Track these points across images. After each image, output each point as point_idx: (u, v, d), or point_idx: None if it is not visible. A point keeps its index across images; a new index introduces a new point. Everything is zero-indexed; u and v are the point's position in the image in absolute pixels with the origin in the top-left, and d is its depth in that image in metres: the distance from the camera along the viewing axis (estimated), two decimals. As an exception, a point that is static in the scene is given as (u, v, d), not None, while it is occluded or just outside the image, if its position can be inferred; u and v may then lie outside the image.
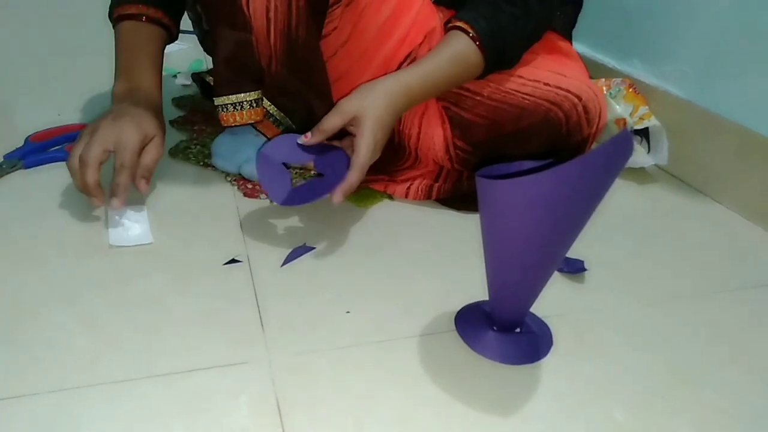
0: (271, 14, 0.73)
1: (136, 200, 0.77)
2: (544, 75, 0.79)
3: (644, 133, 0.98)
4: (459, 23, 0.73)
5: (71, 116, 1.03)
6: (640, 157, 0.96)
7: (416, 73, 0.72)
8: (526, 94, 0.78)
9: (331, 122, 0.69)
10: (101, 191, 0.70)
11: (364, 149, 0.67)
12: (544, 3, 0.73)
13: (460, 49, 0.72)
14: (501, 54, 0.73)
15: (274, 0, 0.73)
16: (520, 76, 0.79)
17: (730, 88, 0.89)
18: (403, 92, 0.71)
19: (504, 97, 0.78)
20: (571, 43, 0.87)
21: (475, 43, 0.71)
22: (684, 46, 0.97)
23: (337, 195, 0.67)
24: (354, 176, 0.67)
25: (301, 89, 0.80)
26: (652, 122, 0.96)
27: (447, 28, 0.75)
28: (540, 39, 0.79)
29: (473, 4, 0.74)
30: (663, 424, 0.53)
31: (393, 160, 0.86)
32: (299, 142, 0.71)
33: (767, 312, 0.68)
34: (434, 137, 0.82)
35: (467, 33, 0.72)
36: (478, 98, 0.80)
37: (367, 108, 0.68)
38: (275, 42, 0.76)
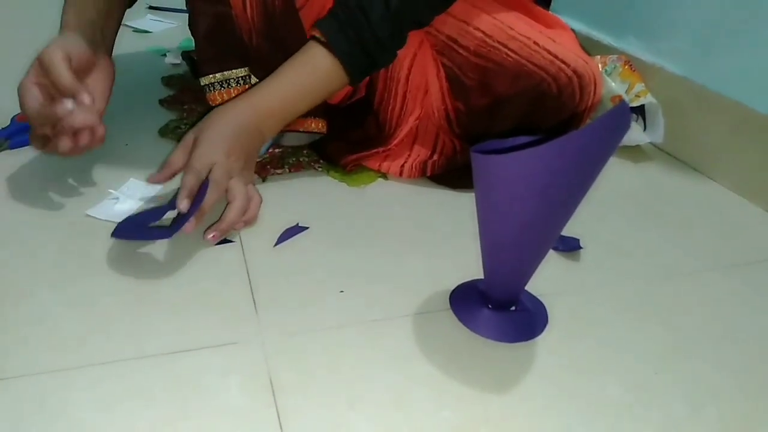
0: None
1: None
2: (534, 34, 0.77)
3: (640, 111, 0.97)
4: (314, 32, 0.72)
5: (58, 96, 1.01)
6: (635, 134, 0.95)
7: (261, 89, 0.71)
8: (512, 51, 0.76)
9: (174, 156, 0.68)
10: (78, 85, 0.66)
11: (214, 167, 0.65)
12: None
13: (310, 57, 0.71)
14: (357, 47, 0.70)
15: None
16: (511, 27, 0.77)
17: (727, 64, 0.88)
18: (246, 106, 0.70)
19: (489, 53, 0.76)
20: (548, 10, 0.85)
21: (323, 44, 0.70)
22: (680, 22, 0.95)
23: (190, 224, 0.63)
24: (211, 195, 0.64)
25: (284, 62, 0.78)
26: (648, 99, 0.95)
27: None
28: (430, 9, 0.74)
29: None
30: (657, 400, 0.53)
31: (377, 124, 0.84)
32: (150, 182, 0.69)
33: (761, 289, 0.68)
34: (429, 85, 0.79)
35: (316, 38, 0.71)
36: (464, 54, 0.78)
37: (203, 129, 0.68)
38: (252, 14, 0.74)
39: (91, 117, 0.65)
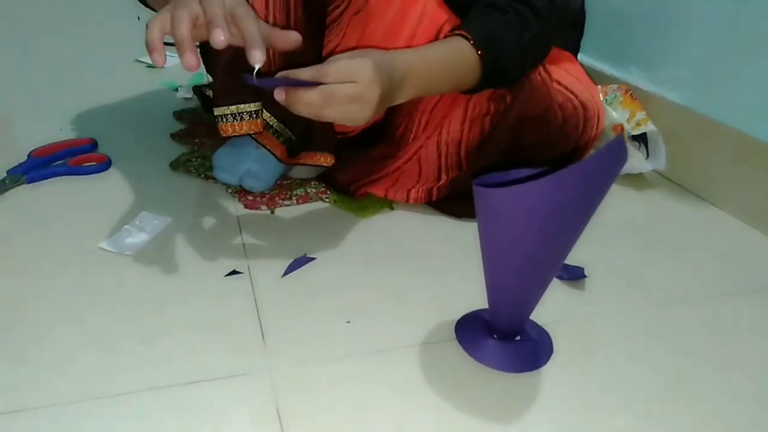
0: (270, 23, 0.74)
1: (166, 211, 0.78)
2: (551, 67, 0.79)
3: (643, 139, 0.98)
4: (453, 32, 0.73)
5: (74, 131, 1.04)
6: (638, 162, 0.96)
7: (417, 54, 0.66)
8: (529, 81, 0.77)
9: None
10: (195, 48, 0.57)
11: (344, 84, 0.58)
12: (540, 17, 0.72)
13: (457, 46, 0.69)
14: (497, 57, 0.70)
15: (272, 9, 0.74)
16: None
17: (726, 93, 0.90)
18: (403, 68, 0.64)
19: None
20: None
21: (470, 42, 0.69)
22: (680, 52, 0.97)
23: (278, 93, 0.58)
24: (312, 94, 0.57)
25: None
26: (649, 127, 0.97)
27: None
28: (540, 58, 0.77)
29: (467, 18, 0.73)
30: (665, 429, 0.53)
31: (387, 148, 0.85)
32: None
33: (766, 315, 0.68)
34: (451, 111, 0.80)
35: (461, 36, 0.70)
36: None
37: (372, 56, 0.60)
38: (273, 51, 0.76)
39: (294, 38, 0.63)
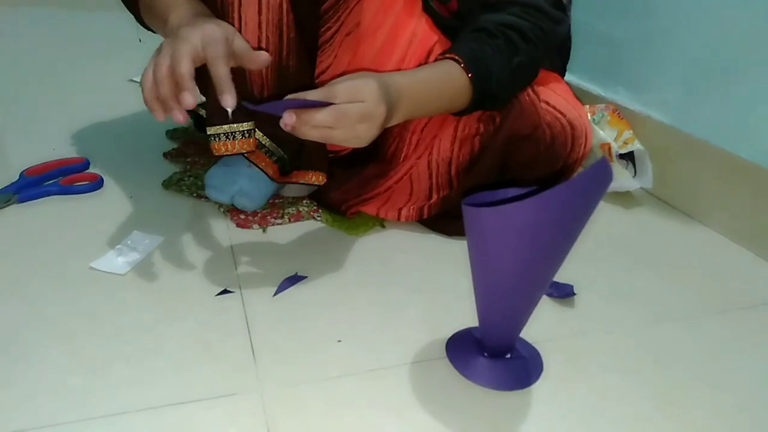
0: (263, 44, 0.75)
1: (158, 230, 0.79)
2: (539, 88, 0.81)
3: (630, 157, 1.00)
4: (444, 55, 0.74)
5: (66, 150, 1.04)
6: (626, 180, 0.98)
7: (409, 77, 0.67)
8: (518, 101, 0.79)
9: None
10: (194, 84, 0.59)
11: (354, 104, 0.59)
12: (528, 42, 0.73)
13: (448, 69, 0.70)
14: (487, 80, 0.71)
15: (265, 31, 0.75)
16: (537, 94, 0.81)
17: (711, 113, 0.92)
18: (396, 90, 0.64)
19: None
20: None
21: (460, 65, 0.70)
22: (666, 73, 0.99)
23: (289, 116, 0.58)
24: (323, 114, 0.58)
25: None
26: (636, 146, 0.98)
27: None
28: (528, 81, 0.79)
29: (457, 41, 0.75)
30: (653, 447, 0.54)
31: (379, 166, 0.86)
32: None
33: (755, 334, 0.69)
34: (441, 131, 0.81)
35: (452, 59, 0.71)
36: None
37: (373, 77, 0.62)
38: (266, 70, 0.77)
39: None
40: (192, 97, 0.59)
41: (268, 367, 0.60)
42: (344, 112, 0.59)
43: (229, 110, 0.60)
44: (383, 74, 0.66)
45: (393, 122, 0.67)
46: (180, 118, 0.61)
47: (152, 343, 0.62)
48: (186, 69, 0.59)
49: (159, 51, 0.62)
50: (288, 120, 0.58)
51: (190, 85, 0.59)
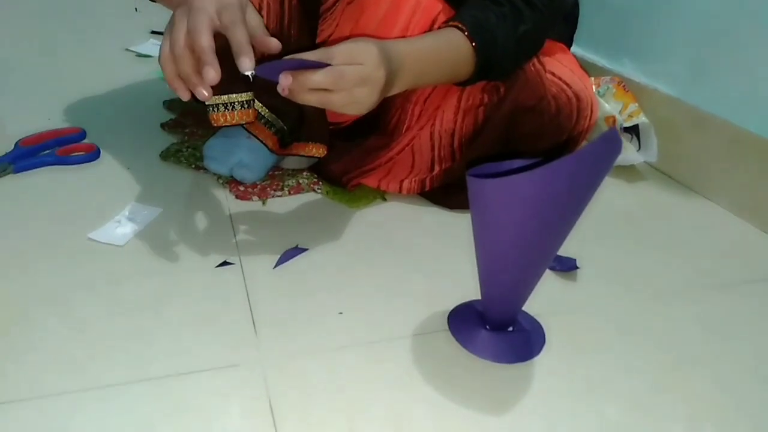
0: (263, 12, 0.73)
1: (156, 202, 0.78)
2: (544, 58, 0.79)
3: (634, 131, 0.99)
4: (447, 23, 0.72)
5: (62, 120, 1.03)
6: (630, 154, 0.96)
7: (411, 44, 0.66)
8: (523, 71, 0.77)
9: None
10: (215, 57, 0.57)
11: (352, 66, 0.57)
12: (534, 9, 0.71)
13: (451, 37, 0.69)
14: (491, 49, 0.69)
15: None
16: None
17: (719, 86, 0.90)
18: (398, 57, 0.62)
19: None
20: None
21: (464, 33, 0.68)
22: (673, 45, 0.97)
23: (285, 78, 0.56)
24: (320, 76, 0.56)
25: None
26: (641, 119, 0.97)
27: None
28: (534, 51, 0.77)
29: (461, 9, 0.73)
30: (656, 420, 0.54)
31: (380, 138, 0.84)
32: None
33: (758, 308, 0.69)
34: (444, 102, 0.80)
35: (456, 27, 0.70)
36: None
37: (373, 42, 0.60)
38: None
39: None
40: (215, 72, 0.56)
41: (269, 339, 0.60)
42: (342, 73, 0.56)
43: (249, 74, 0.57)
44: (384, 40, 0.64)
45: (394, 90, 0.65)
46: (204, 95, 0.58)
47: (152, 314, 0.62)
48: (206, 42, 0.56)
49: (172, 23, 0.60)
50: (284, 82, 0.56)
51: (212, 59, 0.56)
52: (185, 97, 0.59)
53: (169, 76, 0.59)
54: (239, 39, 0.57)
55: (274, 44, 0.62)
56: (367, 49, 0.58)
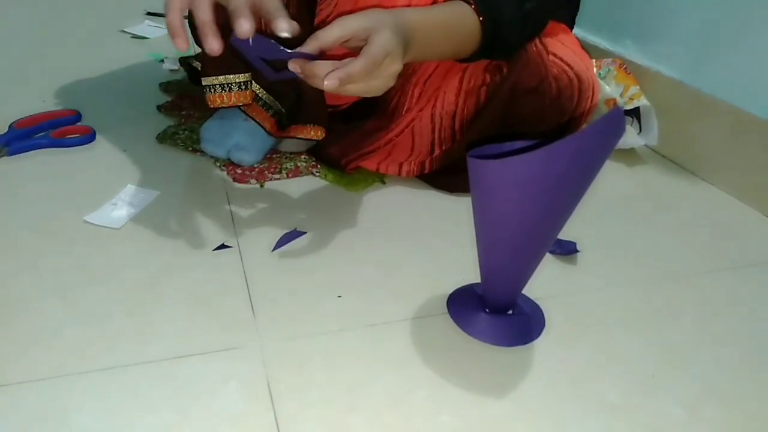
0: None
1: (153, 185, 0.77)
2: (546, 39, 0.78)
3: (635, 113, 0.98)
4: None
5: (56, 102, 1.02)
6: (630, 137, 0.95)
7: (420, 15, 0.63)
8: (524, 51, 0.76)
9: (331, 33, 0.57)
10: (216, 30, 0.56)
11: (379, 43, 0.55)
12: None
13: (458, 10, 0.67)
14: (498, 24, 0.68)
15: None
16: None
17: (722, 68, 0.89)
18: (406, 27, 0.61)
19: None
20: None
21: (471, 6, 0.67)
22: (676, 27, 0.96)
23: (332, 78, 0.54)
24: (358, 64, 0.54)
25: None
26: (642, 102, 0.96)
27: None
28: (539, 29, 0.76)
29: None
30: (655, 404, 0.54)
31: (379, 119, 0.83)
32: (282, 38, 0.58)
33: (758, 291, 0.69)
34: (445, 83, 0.79)
35: (463, 0, 0.68)
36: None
37: (384, 21, 0.58)
38: (263, 21, 0.74)
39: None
40: (217, 44, 0.55)
41: (267, 321, 0.59)
42: (374, 59, 0.55)
43: (285, 33, 0.56)
44: (394, 11, 0.62)
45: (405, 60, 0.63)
46: (215, 48, 0.56)
47: (150, 297, 0.61)
48: (207, 15, 0.56)
49: None
50: (330, 85, 0.54)
51: (212, 31, 0.56)
52: (183, 47, 0.56)
53: (172, 20, 0.56)
54: (275, 4, 0.56)
55: (294, 27, 0.58)
56: (382, 19, 0.57)
